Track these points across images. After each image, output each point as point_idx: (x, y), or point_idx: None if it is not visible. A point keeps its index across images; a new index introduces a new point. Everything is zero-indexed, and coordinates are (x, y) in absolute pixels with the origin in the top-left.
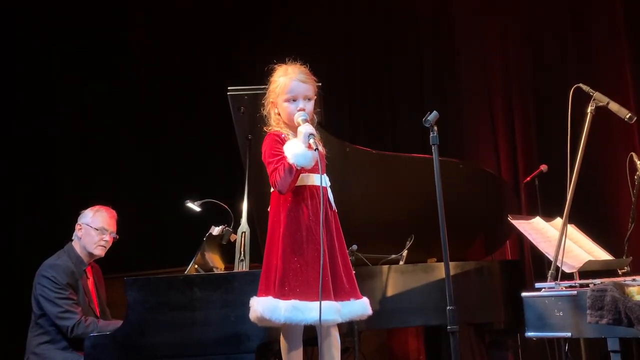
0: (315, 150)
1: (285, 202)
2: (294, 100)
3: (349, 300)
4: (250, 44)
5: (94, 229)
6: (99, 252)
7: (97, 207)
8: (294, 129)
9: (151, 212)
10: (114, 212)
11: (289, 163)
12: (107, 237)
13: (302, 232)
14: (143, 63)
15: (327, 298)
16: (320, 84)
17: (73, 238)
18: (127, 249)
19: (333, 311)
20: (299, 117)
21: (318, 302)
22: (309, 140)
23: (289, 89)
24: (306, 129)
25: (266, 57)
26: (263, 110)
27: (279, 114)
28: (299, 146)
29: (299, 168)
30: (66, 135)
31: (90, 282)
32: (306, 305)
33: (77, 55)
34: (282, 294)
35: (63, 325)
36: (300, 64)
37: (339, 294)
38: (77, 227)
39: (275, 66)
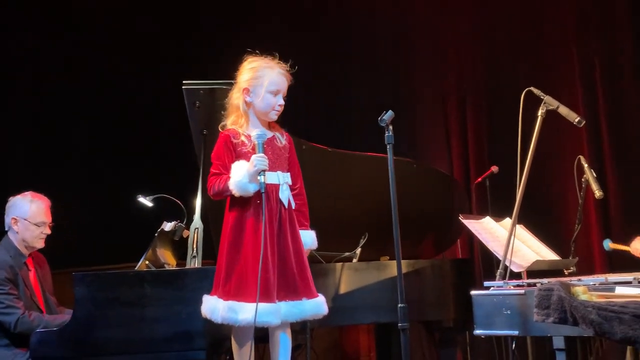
0: (262, 192)
1: (234, 200)
2: (276, 95)
3: (300, 300)
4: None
5: (34, 224)
6: (41, 244)
7: (29, 197)
8: (261, 122)
9: (102, 206)
10: (48, 201)
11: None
12: (46, 230)
13: (246, 232)
14: (107, 60)
15: (267, 300)
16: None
17: (7, 230)
18: (77, 243)
19: (269, 313)
20: (256, 139)
21: (254, 304)
22: (257, 177)
23: (276, 82)
24: (259, 163)
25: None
26: (226, 100)
27: (248, 104)
28: (243, 177)
29: (236, 196)
30: (13, 123)
31: (32, 275)
32: (241, 306)
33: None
34: (224, 294)
35: (5, 321)
36: (273, 58)
37: (290, 294)
38: (11, 221)
39: (251, 56)
